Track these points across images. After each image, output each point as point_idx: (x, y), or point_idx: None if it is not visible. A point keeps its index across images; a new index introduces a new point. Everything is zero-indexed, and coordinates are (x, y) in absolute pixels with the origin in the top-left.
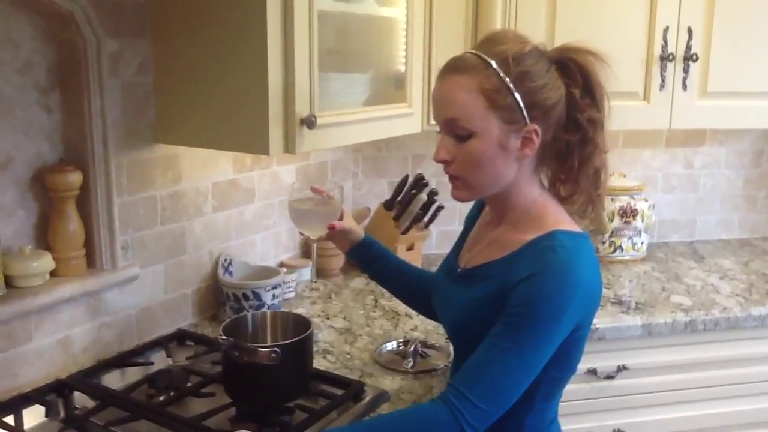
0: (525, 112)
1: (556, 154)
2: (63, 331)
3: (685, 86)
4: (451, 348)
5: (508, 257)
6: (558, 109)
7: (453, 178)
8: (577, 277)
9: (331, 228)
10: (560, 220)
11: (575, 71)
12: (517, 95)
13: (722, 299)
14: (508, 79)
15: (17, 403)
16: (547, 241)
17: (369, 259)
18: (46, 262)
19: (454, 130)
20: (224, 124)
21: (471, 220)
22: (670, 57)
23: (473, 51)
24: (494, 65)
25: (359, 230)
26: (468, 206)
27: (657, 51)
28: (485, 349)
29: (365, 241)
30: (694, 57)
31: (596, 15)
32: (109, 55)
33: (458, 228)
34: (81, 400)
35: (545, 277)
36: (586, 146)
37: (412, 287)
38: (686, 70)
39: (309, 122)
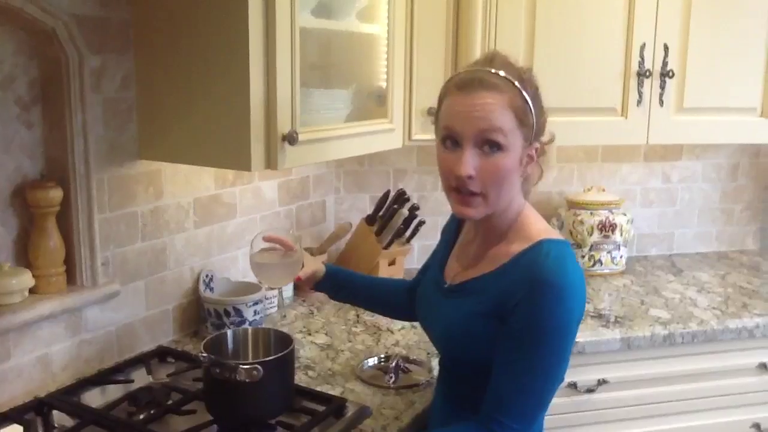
0: (535, 130)
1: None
2: (42, 348)
3: (661, 102)
4: (433, 363)
5: (499, 270)
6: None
7: (471, 195)
8: (570, 283)
9: (298, 279)
10: (543, 229)
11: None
12: (534, 115)
13: (700, 312)
14: (528, 98)
15: None
16: (535, 252)
17: (336, 288)
18: (25, 279)
19: (486, 143)
20: (206, 140)
21: (451, 233)
22: (647, 73)
23: (488, 69)
24: (517, 84)
25: (320, 267)
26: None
27: (634, 67)
28: (509, 373)
29: (328, 273)
30: (671, 73)
31: (574, 32)
32: (92, 71)
33: None
34: (60, 418)
35: (543, 294)
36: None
37: (383, 300)
38: (663, 86)
39: (291, 138)
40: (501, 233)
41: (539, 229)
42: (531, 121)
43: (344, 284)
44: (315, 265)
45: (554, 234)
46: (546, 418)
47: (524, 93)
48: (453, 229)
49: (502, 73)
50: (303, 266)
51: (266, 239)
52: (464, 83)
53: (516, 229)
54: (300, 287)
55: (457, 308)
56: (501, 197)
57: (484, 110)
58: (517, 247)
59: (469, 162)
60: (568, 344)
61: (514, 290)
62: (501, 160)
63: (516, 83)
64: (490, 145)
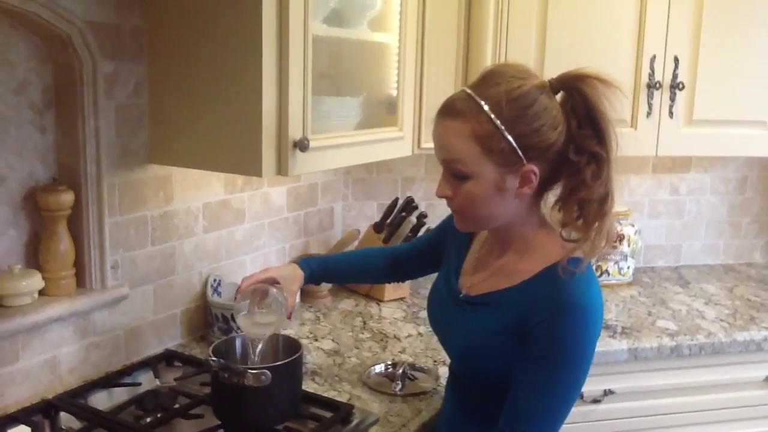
0: (521, 153)
1: (551, 184)
2: (51, 350)
3: (671, 114)
4: (440, 371)
5: (518, 287)
6: (558, 144)
7: (455, 211)
8: (594, 306)
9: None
10: (564, 246)
11: (578, 101)
12: (510, 138)
13: (707, 324)
14: (499, 123)
15: (2, 424)
16: (559, 271)
17: (318, 280)
18: (35, 281)
19: (451, 171)
20: (218, 146)
21: (462, 238)
22: (657, 85)
23: (468, 90)
24: (486, 109)
25: (299, 280)
26: None
27: (644, 79)
28: (530, 392)
29: (307, 277)
30: (681, 85)
31: (585, 43)
32: (105, 77)
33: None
34: (67, 421)
35: (568, 316)
36: (576, 177)
37: (364, 272)
38: (672, 98)
39: (302, 145)
40: (520, 248)
41: (559, 247)
42: (503, 147)
43: (324, 276)
44: (293, 286)
45: (576, 253)
46: None
47: (494, 117)
48: (465, 234)
49: (477, 96)
50: (287, 297)
51: (240, 294)
52: (440, 109)
53: (536, 245)
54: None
55: (475, 322)
56: (484, 219)
57: (443, 140)
58: (538, 265)
59: (442, 185)
60: (588, 364)
61: (536, 309)
62: (468, 187)
63: (486, 107)
64: (454, 172)
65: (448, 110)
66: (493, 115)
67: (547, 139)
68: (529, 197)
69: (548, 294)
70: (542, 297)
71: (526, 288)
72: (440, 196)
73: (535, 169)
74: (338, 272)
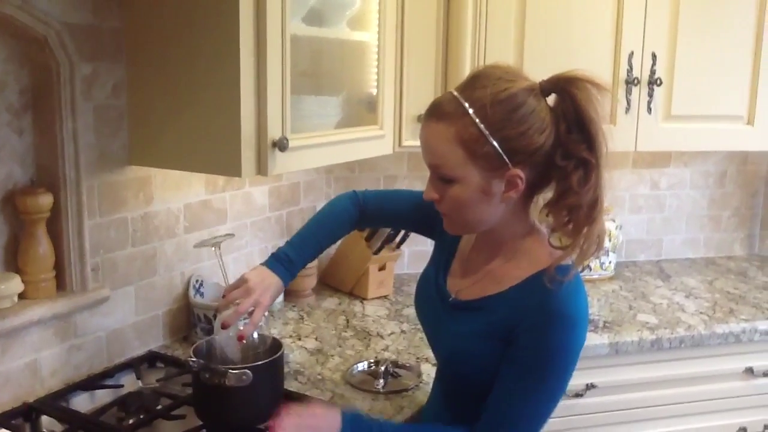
0: (506, 158)
1: (540, 188)
2: (31, 354)
3: (649, 109)
4: (422, 368)
5: (506, 292)
6: (545, 148)
7: (443, 215)
8: (580, 315)
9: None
10: (552, 253)
11: (569, 104)
12: (495, 143)
13: (687, 317)
14: (484, 127)
15: None
16: (546, 279)
17: (296, 272)
18: (14, 284)
19: (438, 174)
20: (197, 146)
21: (448, 236)
22: (635, 81)
23: (455, 92)
24: (471, 112)
25: (278, 287)
26: None
27: (622, 75)
28: (512, 396)
29: (286, 282)
30: (659, 81)
31: (563, 40)
32: (83, 78)
33: (430, 248)
34: (49, 424)
35: (554, 324)
36: (563, 183)
37: (335, 234)
38: (651, 94)
39: (281, 145)
40: (508, 252)
41: (548, 252)
42: (488, 151)
43: (304, 262)
44: (266, 297)
45: (564, 260)
46: None
47: (478, 121)
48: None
49: (462, 99)
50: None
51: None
52: (426, 110)
53: (524, 250)
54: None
55: (464, 326)
56: (472, 223)
57: (429, 144)
58: (526, 270)
59: (429, 188)
60: (572, 371)
61: (524, 315)
62: (454, 191)
63: (470, 110)
64: (440, 176)
65: (434, 112)
66: (477, 119)
67: (534, 143)
68: (517, 201)
69: (537, 301)
70: (530, 304)
71: (514, 294)
72: (427, 199)
73: (521, 173)
74: (312, 250)
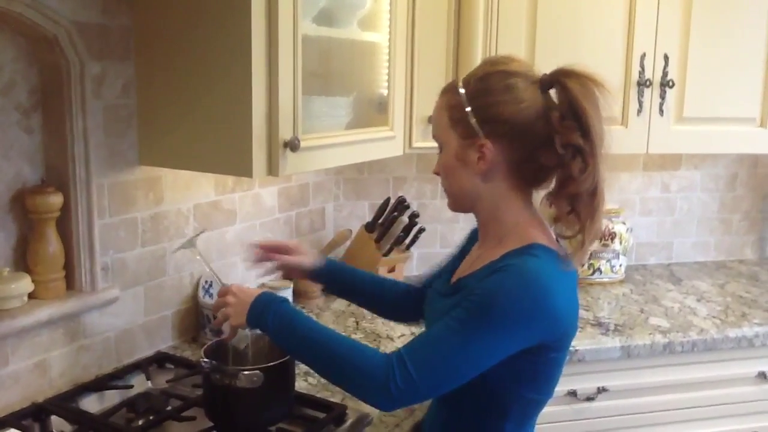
0: (477, 126)
1: (533, 175)
2: (41, 354)
3: (661, 111)
4: None
5: (486, 266)
6: (528, 127)
7: (444, 190)
8: (544, 290)
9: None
10: (542, 236)
11: (561, 94)
12: (468, 109)
13: (699, 321)
14: (463, 93)
15: None
16: (523, 249)
17: (333, 278)
18: (24, 284)
19: (437, 144)
20: (208, 147)
21: (466, 243)
22: (647, 83)
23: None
24: (460, 84)
25: (303, 261)
26: (452, 231)
27: (634, 77)
28: (438, 326)
29: (328, 266)
30: (671, 83)
31: (575, 41)
32: (93, 78)
33: (439, 250)
34: (58, 424)
35: (511, 276)
36: (563, 172)
37: (381, 299)
38: (663, 96)
39: (292, 145)
40: (499, 238)
41: (537, 235)
42: (463, 116)
43: (343, 278)
44: (299, 259)
45: (553, 245)
46: (545, 425)
47: (461, 89)
48: (466, 247)
49: (461, 76)
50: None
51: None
52: None
53: (515, 235)
54: (289, 275)
55: (442, 304)
56: (455, 192)
57: (433, 116)
58: (509, 248)
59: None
60: (506, 337)
61: (486, 278)
62: (442, 157)
63: (460, 83)
64: (437, 145)
65: (442, 89)
66: (462, 90)
67: (504, 112)
68: (503, 180)
69: (503, 264)
70: (497, 267)
71: (491, 266)
72: (434, 173)
73: (490, 144)
74: (356, 282)
